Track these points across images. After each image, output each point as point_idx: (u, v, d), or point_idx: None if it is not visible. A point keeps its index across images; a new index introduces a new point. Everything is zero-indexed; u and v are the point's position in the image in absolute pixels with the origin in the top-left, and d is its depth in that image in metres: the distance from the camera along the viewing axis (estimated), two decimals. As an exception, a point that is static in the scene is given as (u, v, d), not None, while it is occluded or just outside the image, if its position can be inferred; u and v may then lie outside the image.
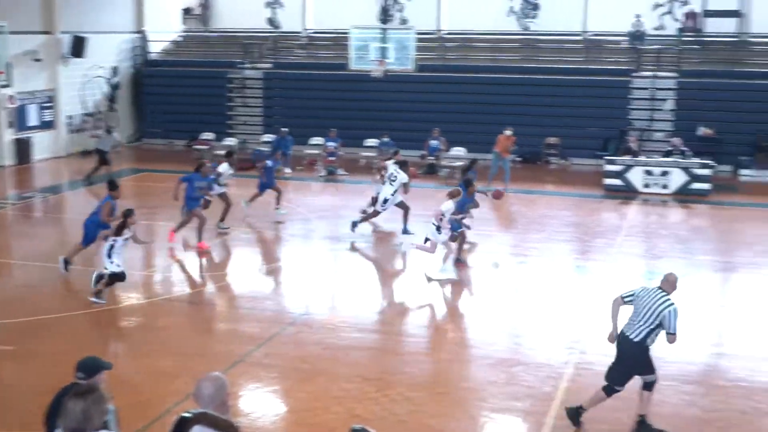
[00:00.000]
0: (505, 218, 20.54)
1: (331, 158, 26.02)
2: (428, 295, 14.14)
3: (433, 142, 26.62)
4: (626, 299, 9.21)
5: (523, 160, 27.51)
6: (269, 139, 28.31)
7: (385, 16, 32.36)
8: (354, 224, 17.89)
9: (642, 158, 24.25)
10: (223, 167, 18.22)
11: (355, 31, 28.65)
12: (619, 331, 9.09)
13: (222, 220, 17.93)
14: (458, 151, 26.53)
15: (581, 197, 22.41)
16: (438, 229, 14.92)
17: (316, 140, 28.13)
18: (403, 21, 31.96)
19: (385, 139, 26.66)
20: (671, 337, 8.77)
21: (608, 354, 11.34)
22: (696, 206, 21.98)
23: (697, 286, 15.00)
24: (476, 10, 31.70)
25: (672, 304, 8.76)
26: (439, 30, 32.47)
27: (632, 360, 8.95)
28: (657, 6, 30.60)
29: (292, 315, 13.10)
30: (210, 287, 14.73)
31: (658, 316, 8.72)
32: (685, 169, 23.22)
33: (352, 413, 9.30)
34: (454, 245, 15.89)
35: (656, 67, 28.77)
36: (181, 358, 11.03)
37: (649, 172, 23.46)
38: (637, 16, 29.82)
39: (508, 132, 23.85)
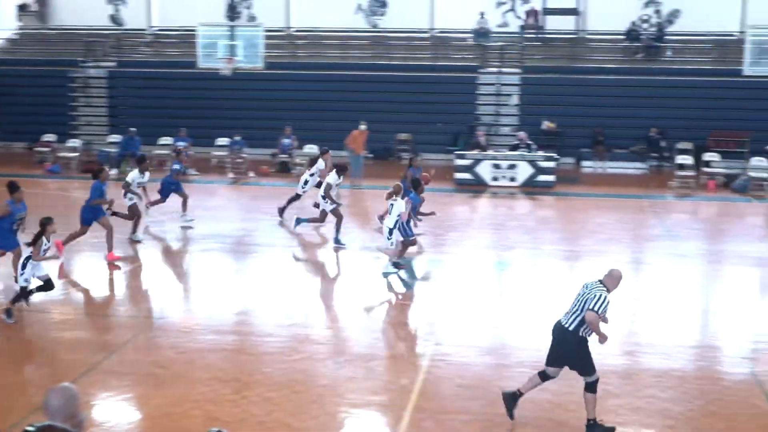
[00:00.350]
0: (360, 215, 20.65)
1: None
2: (284, 294, 14.05)
3: (286, 141, 26.50)
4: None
5: (375, 156, 27.76)
6: (116, 140, 27.47)
7: (232, 13, 31.99)
8: (297, 221, 17.93)
9: (490, 152, 24.93)
10: (133, 175, 17.22)
11: (202, 29, 28.20)
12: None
13: (134, 231, 17.11)
14: (311, 148, 26.52)
15: (433, 192, 22.79)
16: (390, 232, 14.69)
17: (165, 140, 27.49)
18: (252, 18, 31.69)
19: (237, 138, 26.34)
20: (590, 312, 8.56)
21: (463, 344, 11.61)
22: (542, 198, 22.76)
23: (544, 274, 15.55)
24: (325, 8, 31.78)
25: (605, 291, 8.68)
26: (289, 27, 32.36)
27: (563, 347, 8.91)
28: (500, 4, 31.51)
29: (146, 319, 12.73)
30: (60, 295, 14.12)
31: (587, 301, 8.67)
32: (531, 162, 24.00)
33: (210, 416, 9.12)
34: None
35: (501, 63, 29.64)
36: (28, 370, 10.53)
37: (497, 166, 24.14)
38: (482, 13, 30.63)
39: (362, 127, 24.01)
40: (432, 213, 17.90)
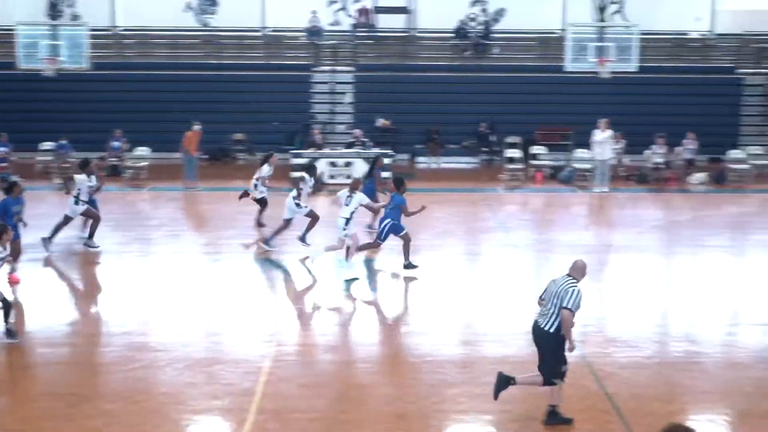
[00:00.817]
0: (196, 217, 20.26)
1: (2, 164, 24.17)
2: (118, 302, 13.60)
3: (115, 143, 25.66)
4: (542, 297, 9.27)
5: (210, 157, 27.27)
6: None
7: (54, 11, 30.64)
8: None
9: (326, 150, 24.99)
10: (79, 180, 16.46)
11: (22, 28, 26.86)
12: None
13: (91, 237, 16.48)
14: (143, 151, 25.79)
15: (271, 191, 22.62)
16: (347, 223, 14.68)
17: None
18: (75, 17, 30.45)
19: (63, 142, 25.29)
20: (565, 311, 8.68)
21: (305, 344, 11.59)
22: (378, 194, 22.97)
23: (381, 269, 15.73)
24: (153, 6, 30.93)
25: (575, 285, 8.82)
26: (115, 26, 31.31)
27: (540, 346, 9.08)
28: (331, 2, 31.63)
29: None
30: None
31: (561, 296, 8.75)
32: (367, 160, 24.22)
33: (42, 434, 8.72)
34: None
35: (334, 62, 29.78)
36: None
37: (333, 164, 24.23)
38: (314, 12, 30.64)
39: (196, 128, 23.54)
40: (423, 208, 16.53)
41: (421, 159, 28.09)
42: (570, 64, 25.62)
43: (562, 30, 29.07)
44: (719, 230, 18.64)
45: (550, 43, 29.81)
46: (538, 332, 9.06)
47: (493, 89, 28.42)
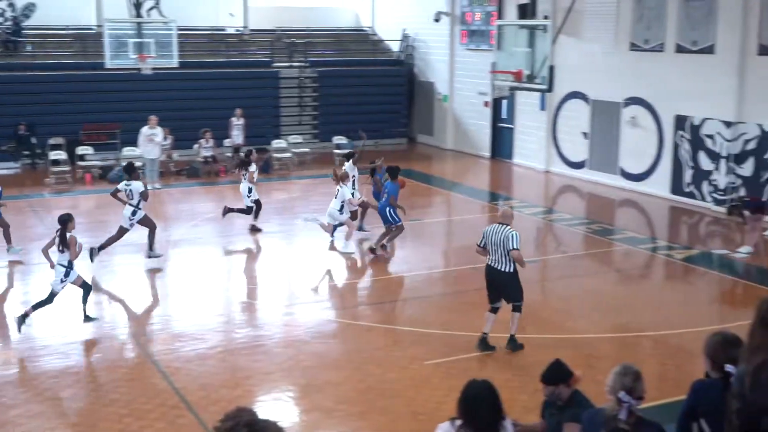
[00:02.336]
0: None
1: None
2: None
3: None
4: (480, 244, 11.29)
5: None
6: None
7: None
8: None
9: None
10: (136, 185, 15.64)
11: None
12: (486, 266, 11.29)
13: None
14: None
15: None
16: (341, 210, 16.24)
17: None
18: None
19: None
20: (515, 252, 10.89)
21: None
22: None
23: None
24: None
25: (512, 230, 10.98)
26: None
27: (502, 286, 11.19)
28: None
29: None
30: None
31: (504, 243, 10.88)
32: None
33: None
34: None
35: None
36: None
37: None
38: None
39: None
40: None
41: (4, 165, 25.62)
42: (110, 61, 24.97)
43: (99, 26, 28.26)
44: (270, 216, 19.50)
45: (88, 40, 28.82)
46: (497, 274, 11.13)
47: (30, 89, 26.77)
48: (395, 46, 32.75)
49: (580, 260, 16.68)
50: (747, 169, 19.91)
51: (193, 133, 25.48)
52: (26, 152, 26.20)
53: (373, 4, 34.25)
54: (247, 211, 18.31)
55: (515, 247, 10.89)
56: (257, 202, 18.29)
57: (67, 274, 12.05)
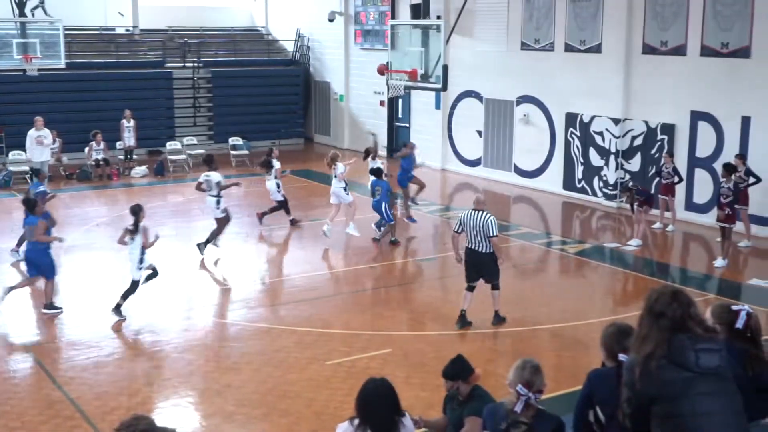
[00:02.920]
0: None
1: None
2: None
3: None
4: (457, 230, 12.16)
5: None
6: None
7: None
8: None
9: None
10: (215, 177, 16.43)
11: None
12: (463, 250, 12.26)
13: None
14: None
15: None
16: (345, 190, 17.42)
17: None
18: None
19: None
20: (494, 239, 11.86)
21: None
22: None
23: None
24: None
25: (490, 215, 11.88)
26: None
27: (483, 266, 12.08)
28: None
29: None
30: None
31: (484, 229, 11.75)
32: None
33: None
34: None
35: None
36: None
37: None
38: None
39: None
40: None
41: None
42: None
43: (-20, 26, 27.21)
44: (165, 219, 19.15)
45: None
46: (478, 256, 12.02)
47: None
48: (290, 46, 32.60)
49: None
50: (635, 164, 20.59)
51: (83, 136, 24.79)
52: None
53: (266, 3, 34.04)
54: (278, 207, 18.64)
55: (494, 234, 11.88)
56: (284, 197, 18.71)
57: (141, 261, 12.50)
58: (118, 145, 25.41)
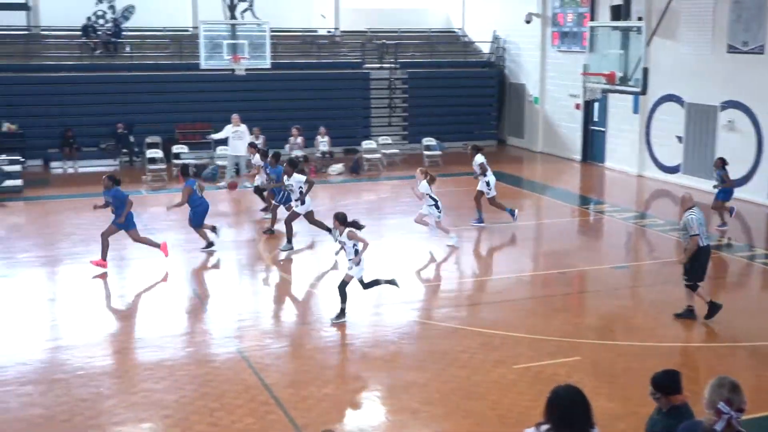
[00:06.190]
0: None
1: None
2: None
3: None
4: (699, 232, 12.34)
5: None
6: None
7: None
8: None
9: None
10: (296, 180, 16.92)
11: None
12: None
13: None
14: None
15: None
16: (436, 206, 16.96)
17: None
18: None
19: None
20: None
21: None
22: (10, 204, 21.43)
23: (22, 284, 14.71)
24: None
25: (689, 214, 12.29)
26: None
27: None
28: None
29: None
30: None
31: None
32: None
33: None
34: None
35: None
36: None
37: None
38: None
39: None
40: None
41: (55, 164, 26.58)
42: (205, 62, 25.52)
43: (195, 27, 28.91)
44: (359, 216, 19.63)
45: (184, 41, 29.53)
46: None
47: (128, 89, 27.58)
48: (486, 48, 32.60)
49: (674, 267, 16.31)
50: None
51: (282, 134, 25.83)
52: (124, 150, 27.00)
53: (463, 5, 34.17)
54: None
55: (691, 233, 12.32)
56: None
57: (358, 262, 12.67)
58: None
